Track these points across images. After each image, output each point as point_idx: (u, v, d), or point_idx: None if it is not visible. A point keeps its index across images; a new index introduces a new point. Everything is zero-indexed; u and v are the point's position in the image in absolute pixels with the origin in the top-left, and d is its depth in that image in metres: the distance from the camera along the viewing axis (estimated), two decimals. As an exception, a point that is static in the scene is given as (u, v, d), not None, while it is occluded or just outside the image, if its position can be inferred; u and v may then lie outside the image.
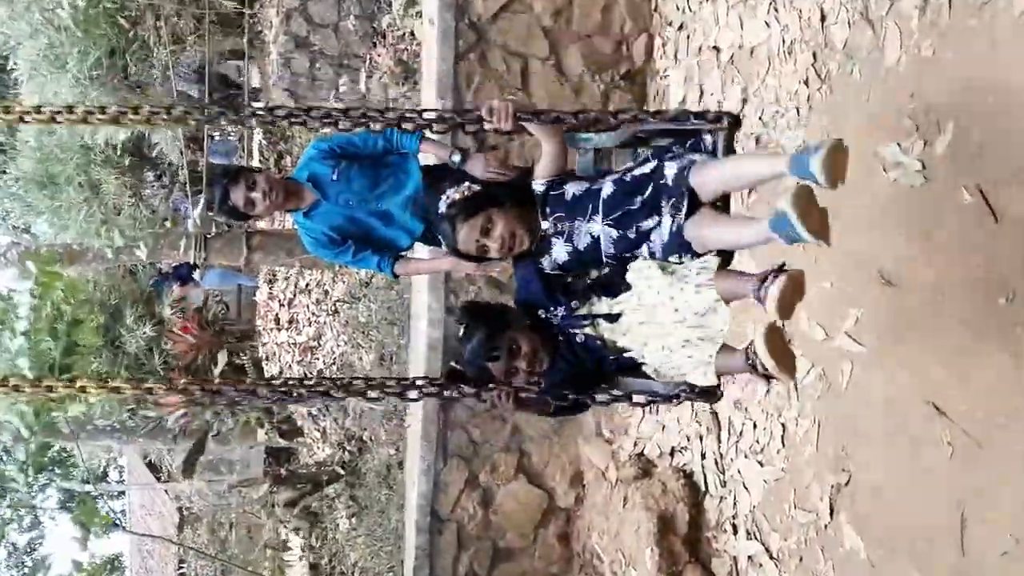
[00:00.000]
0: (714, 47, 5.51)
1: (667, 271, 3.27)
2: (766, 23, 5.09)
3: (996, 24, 3.74)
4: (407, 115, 3.24)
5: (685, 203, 3.17)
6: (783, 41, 4.97)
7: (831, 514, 4.49)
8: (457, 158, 4.07)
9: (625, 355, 3.37)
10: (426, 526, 6.25)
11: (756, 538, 4.99)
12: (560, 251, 3.44)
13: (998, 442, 3.65)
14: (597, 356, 3.41)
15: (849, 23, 4.53)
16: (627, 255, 3.35)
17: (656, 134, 3.51)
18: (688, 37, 5.77)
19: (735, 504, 5.18)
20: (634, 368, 3.37)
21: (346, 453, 8.01)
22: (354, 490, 7.62)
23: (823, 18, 4.71)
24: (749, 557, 5.03)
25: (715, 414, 5.37)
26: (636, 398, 3.32)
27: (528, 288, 3.54)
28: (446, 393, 3.20)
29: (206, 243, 7.73)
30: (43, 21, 7.97)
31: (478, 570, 6.41)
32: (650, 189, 3.25)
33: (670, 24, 5.96)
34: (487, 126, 3.30)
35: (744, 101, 5.26)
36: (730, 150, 3.31)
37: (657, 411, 5.80)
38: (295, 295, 9.04)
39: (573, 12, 6.16)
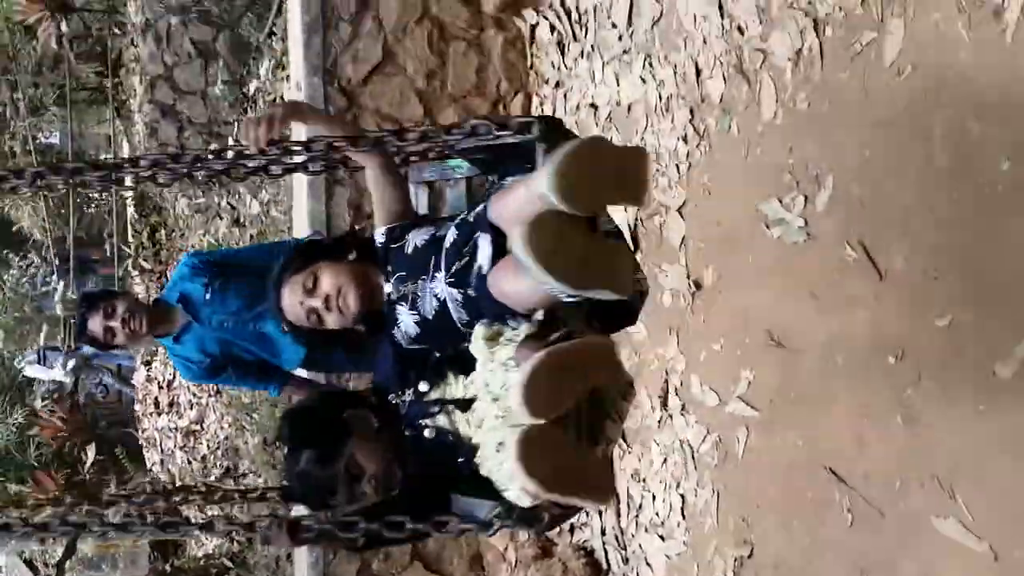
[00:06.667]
0: (591, 104, 5.36)
1: (490, 341, 2.41)
2: (641, 79, 4.95)
3: (868, 75, 3.67)
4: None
5: (487, 245, 2.42)
6: (660, 97, 4.83)
7: (736, 589, 4.30)
8: None
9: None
10: (317, 623, 5.85)
11: (662, 617, 4.76)
12: (408, 321, 2.66)
13: (897, 507, 3.52)
14: (449, 460, 2.48)
15: (724, 77, 4.41)
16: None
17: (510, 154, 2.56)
18: (565, 95, 5.63)
19: (638, 582, 4.94)
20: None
21: (235, 544, 7.57)
22: (244, 583, 7.21)
23: (698, 72, 4.58)
24: (656, 638, 4.79)
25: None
26: (449, 526, 2.31)
27: (380, 368, 2.80)
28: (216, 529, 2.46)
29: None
30: None
31: (376, 668, 6.00)
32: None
33: (546, 82, 5.82)
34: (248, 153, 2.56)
35: (624, 159, 5.12)
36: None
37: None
38: (175, 376, 8.62)
39: (447, 73, 5.96)
